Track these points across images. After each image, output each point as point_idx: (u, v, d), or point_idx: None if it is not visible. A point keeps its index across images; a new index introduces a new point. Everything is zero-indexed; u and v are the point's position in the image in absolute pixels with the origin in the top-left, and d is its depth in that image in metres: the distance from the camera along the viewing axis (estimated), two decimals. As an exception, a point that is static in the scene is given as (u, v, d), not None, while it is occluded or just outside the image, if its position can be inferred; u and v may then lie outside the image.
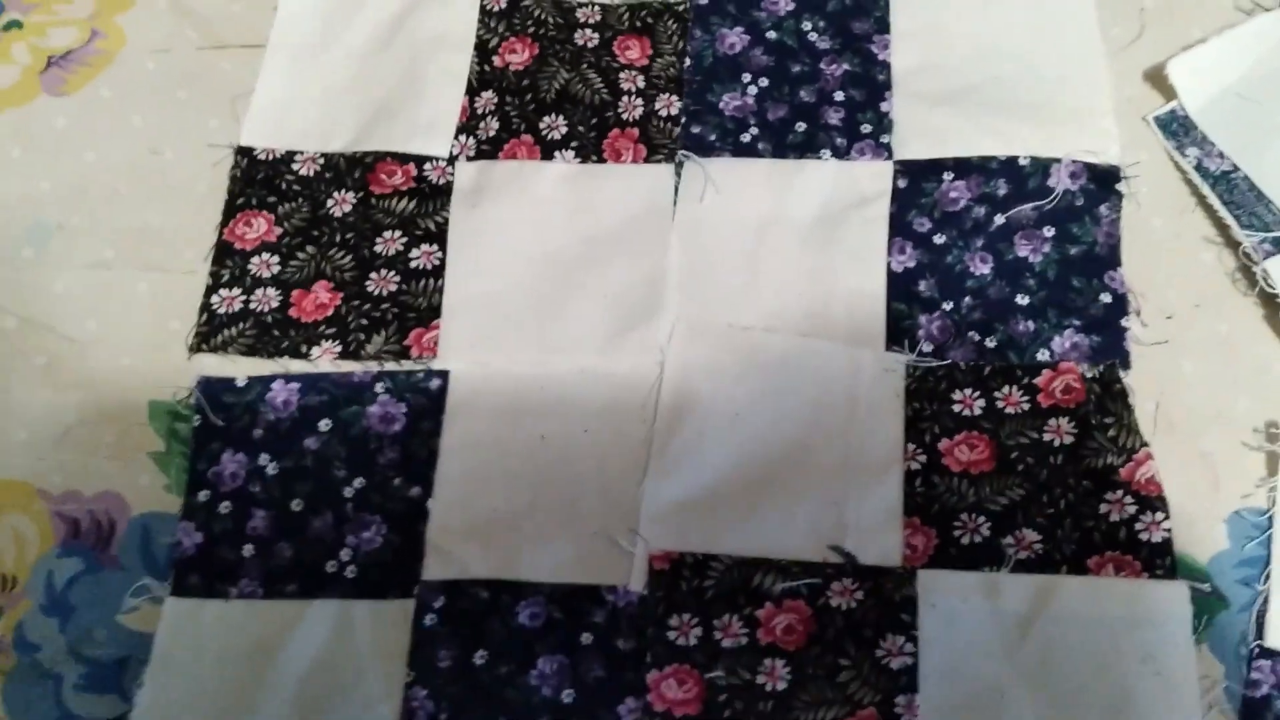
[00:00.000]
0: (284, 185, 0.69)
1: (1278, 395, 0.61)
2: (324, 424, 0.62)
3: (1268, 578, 0.57)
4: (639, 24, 0.73)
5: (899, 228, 0.66)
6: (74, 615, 0.60)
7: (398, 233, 0.67)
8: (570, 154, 0.69)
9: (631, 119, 0.69)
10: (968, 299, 0.64)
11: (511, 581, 0.59)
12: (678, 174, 0.68)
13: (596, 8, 0.73)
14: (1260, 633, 0.57)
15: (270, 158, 0.69)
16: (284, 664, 0.58)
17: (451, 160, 0.69)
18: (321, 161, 0.69)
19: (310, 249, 0.67)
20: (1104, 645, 0.56)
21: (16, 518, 0.62)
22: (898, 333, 0.63)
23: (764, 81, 0.70)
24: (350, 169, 0.69)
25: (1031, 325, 0.63)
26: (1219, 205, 0.65)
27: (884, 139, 0.68)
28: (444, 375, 0.63)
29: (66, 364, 0.65)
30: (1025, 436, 0.61)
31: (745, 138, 0.69)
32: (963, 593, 0.57)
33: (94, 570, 0.61)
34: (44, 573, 0.61)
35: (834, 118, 0.69)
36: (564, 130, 0.69)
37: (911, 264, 0.65)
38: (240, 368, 0.64)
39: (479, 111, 0.70)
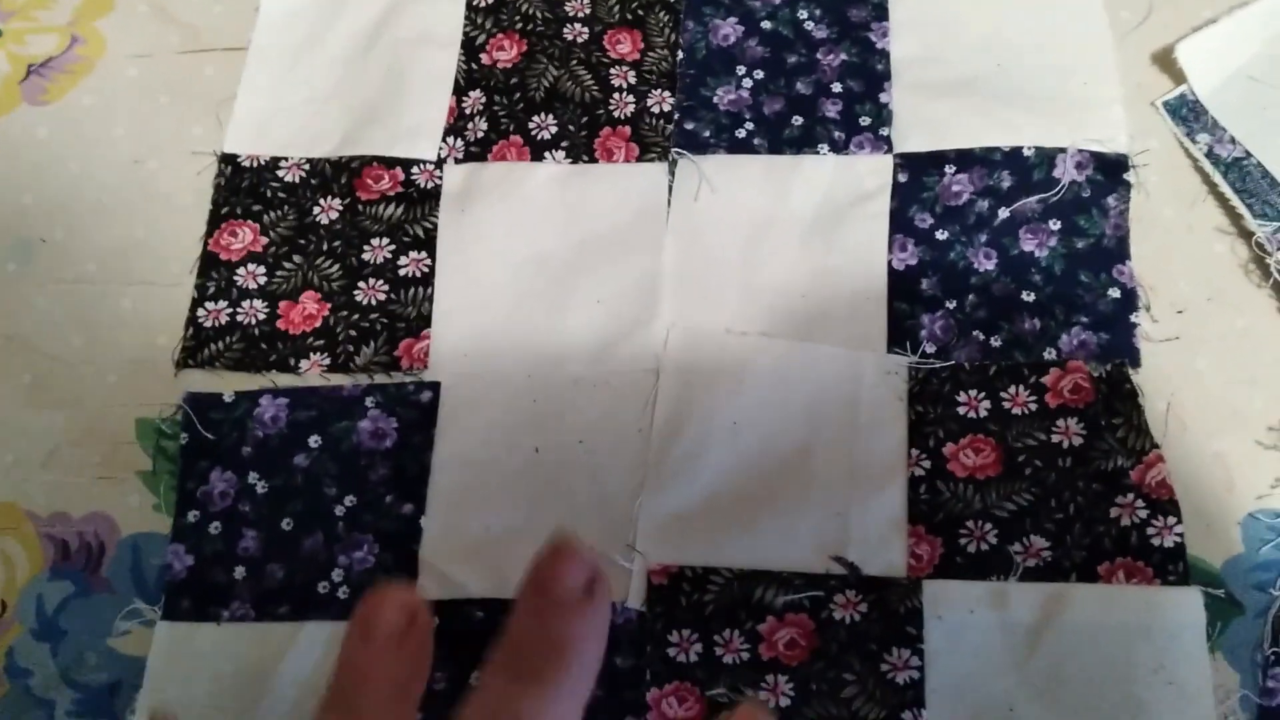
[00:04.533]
0: (269, 193, 0.67)
1: (1294, 392, 0.59)
2: (314, 440, 0.61)
3: (1284, 582, 0.56)
4: (630, 16, 0.70)
5: (900, 224, 0.64)
6: (65, 640, 0.59)
7: (386, 240, 0.65)
8: (561, 154, 0.67)
9: (623, 117, 0.67)
10: (971, 296, 0.62)
11: (507, 600, 0.57)
12: (671, 173, 0.66)
13: (586, 0, 0.71)
14: (1276, 639, 0.55)
15: (255, 165, 0.68)
16: (278, 688, 0.56)
17: (440, 163, 0.67)
18: (307, 168, 0.67)
19: (297, 258, 0.65)
20: (1115, 655, 0.54)
21: (5, 540, 0.61)
22: (900, 334, 0.61)
23: (759, 74, 0.68)
24: (336, 175, 0.67)
25: (1038, 323, 0.61)
26: (1231, 194, 0.63)
27: (883, 131, 0.66)
28: (435, 387, 0.62)
29: (51, 382, 0.64)
30: (1033, 438, 0.59)
31: (740, 133, 0.67)
32: (970, 604, 0.56)
33: (84, 593, 0.60)
34: (34, 597, 0.60)
35: (831, 110, 0.67)
36: (554, 130, 0.67)
37: (913, 261, 0.63)
38: (228, 383, 0.63)
39: (467, 112, 0.68)
